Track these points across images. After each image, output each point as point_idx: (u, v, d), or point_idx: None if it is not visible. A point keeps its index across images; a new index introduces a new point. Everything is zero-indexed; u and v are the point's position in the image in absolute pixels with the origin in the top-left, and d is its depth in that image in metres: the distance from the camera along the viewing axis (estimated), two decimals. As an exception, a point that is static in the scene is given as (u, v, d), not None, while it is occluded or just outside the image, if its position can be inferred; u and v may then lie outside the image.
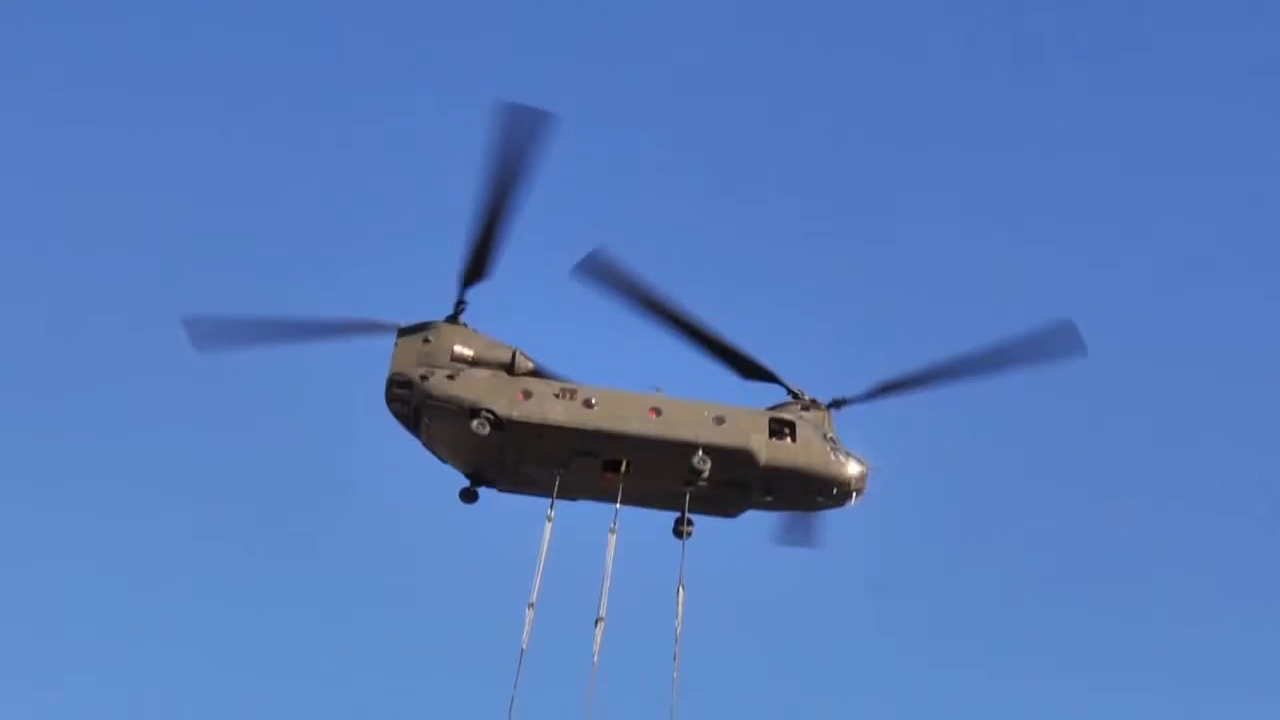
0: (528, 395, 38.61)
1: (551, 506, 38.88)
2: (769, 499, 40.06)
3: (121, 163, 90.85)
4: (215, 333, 39.74)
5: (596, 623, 36.90)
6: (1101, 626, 78.31)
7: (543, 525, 38.49)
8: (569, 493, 39.35)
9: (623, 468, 38.82)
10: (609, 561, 38.08)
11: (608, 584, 37.68)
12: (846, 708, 73.58)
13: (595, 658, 36.25)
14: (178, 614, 74.93)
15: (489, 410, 38.13)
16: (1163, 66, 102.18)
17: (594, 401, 38.70)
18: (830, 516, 41.46)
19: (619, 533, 38.57)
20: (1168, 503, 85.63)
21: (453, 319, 39.59)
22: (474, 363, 38.96)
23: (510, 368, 39.12)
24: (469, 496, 39.64)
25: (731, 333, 39.93)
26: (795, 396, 41.07)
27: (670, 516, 39.79)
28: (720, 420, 39.06)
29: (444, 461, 39.56)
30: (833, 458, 39.78)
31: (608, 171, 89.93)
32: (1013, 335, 40.18)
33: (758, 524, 41.65)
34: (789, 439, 39.39)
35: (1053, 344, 40.25)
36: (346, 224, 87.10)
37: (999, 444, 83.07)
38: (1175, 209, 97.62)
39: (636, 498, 39.36)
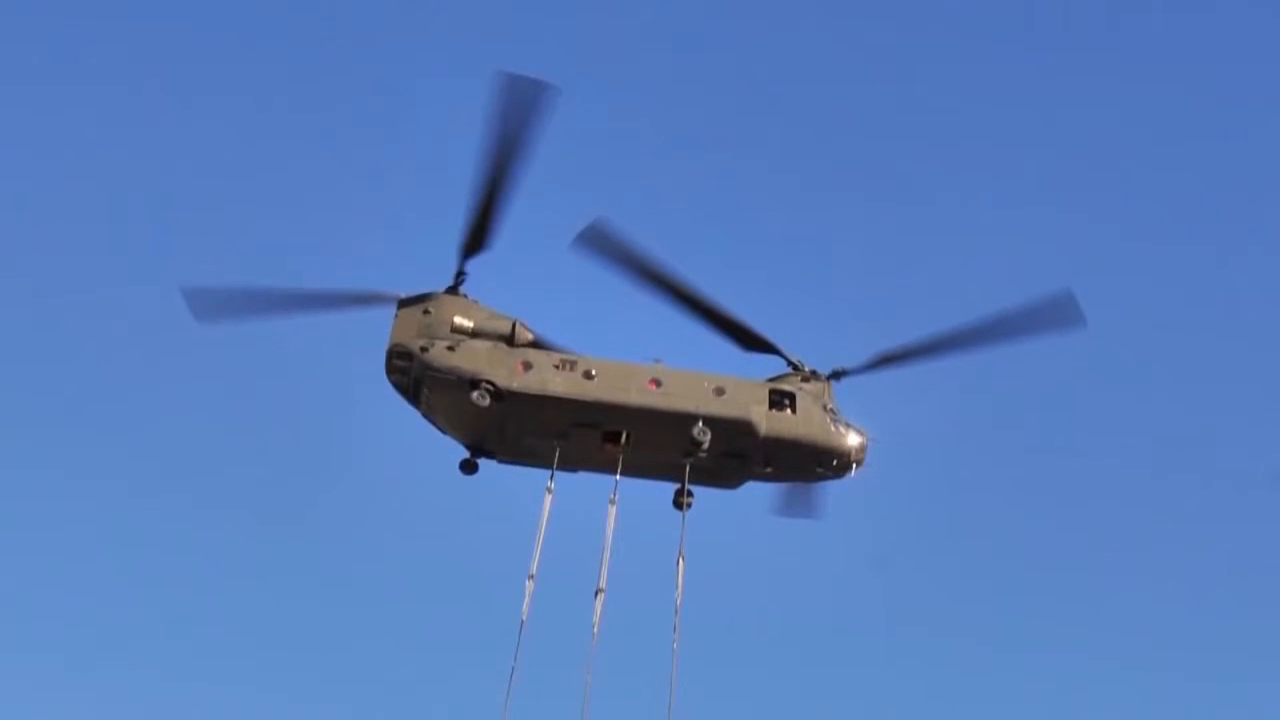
0: (528, 366, 38.60)
1: (551, 478, 38.93)
2: (769, 470, 40.09)
3: (122, 134, 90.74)
4: (216, 304, 39.74)
5: (596, 594, 36.99)
6: (1100, 599, 78.52)
7: (543, 496, 38.58)
8: (569, 464, 39.39)
9: (623, 439, 38.84)
10: (609, 533, 38.18)
11: (608, 555, 37.80)
12: (846, 678, 73.91)
13: (595, 629, 36.38)
14: (178, 583, 75.22)
15: (489, 381, 38.12)
16: (1163, 32, 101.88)
17: (594, 373, 38.68)
18: (830, 488, 41.53)
19: (619, 504, 38.71)
20: (1167, 473, 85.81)
21: (453, 290, 39.54)
22: (474, 334, 38.94)
23: (510, 339, 39.08)
24: (469, 468, 39.66)
25: (732, 304, 39.94)
26: (795, 368, 41.07)
27: (670, 488, 39.82)
28: (720, 392, 39.06)
29: (444, 432, 39.56)
30: (832, 429, 39.82)
31: (608, 143, 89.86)
32: (1012, 306, 40.19)
33: (758, 495, 41.76)
34: (789, 410, 39.39)
35: (1052, 315, 40.23)
36: (347, 195, 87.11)
37: (999, 415, 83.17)
38: (1176, 183, 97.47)
39: (636, 469, 39.39)
